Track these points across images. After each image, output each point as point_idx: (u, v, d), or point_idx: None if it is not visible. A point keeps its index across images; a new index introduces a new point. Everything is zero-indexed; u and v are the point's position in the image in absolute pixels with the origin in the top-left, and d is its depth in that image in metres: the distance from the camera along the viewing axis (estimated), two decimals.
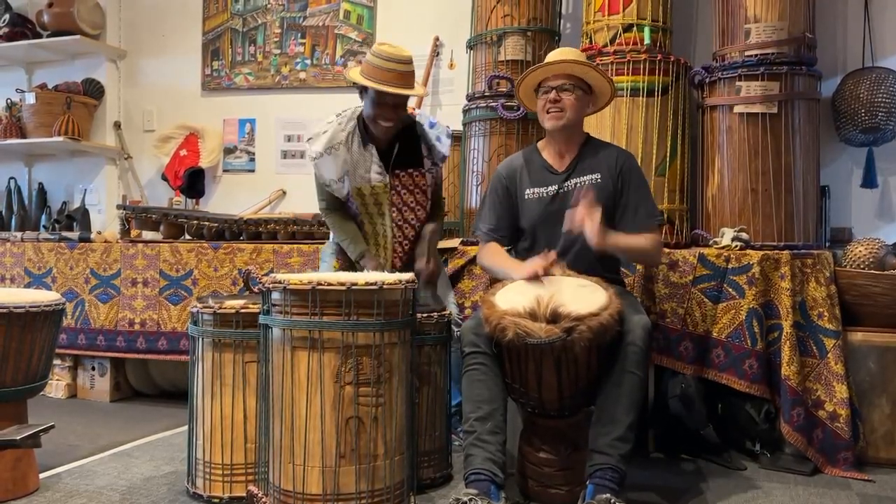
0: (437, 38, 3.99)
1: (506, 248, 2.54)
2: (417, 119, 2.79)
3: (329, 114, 2.78)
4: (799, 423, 2.60)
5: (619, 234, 2.33)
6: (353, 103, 2.79)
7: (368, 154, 2.66)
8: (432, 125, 2.80)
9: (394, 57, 2.55)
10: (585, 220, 2.20)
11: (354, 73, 2.63)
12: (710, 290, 2.76)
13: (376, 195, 2.69)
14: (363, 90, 2.62)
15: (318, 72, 4.27)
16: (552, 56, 2.49)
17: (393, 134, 2.67)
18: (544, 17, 3.39)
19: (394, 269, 2.75)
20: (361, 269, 2.64)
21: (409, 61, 2.58)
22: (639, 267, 2.82)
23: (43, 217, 4.51)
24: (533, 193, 2.47)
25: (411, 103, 3.78)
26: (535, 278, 2.21)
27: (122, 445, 2.86)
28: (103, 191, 4.55)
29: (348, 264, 2.78)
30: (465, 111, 3.47)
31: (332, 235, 2.91)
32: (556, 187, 2.45)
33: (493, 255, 2.49)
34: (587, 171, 2.44)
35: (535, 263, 2.22)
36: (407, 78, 2.58)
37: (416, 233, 2.77)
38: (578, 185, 2.43)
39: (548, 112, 2.42)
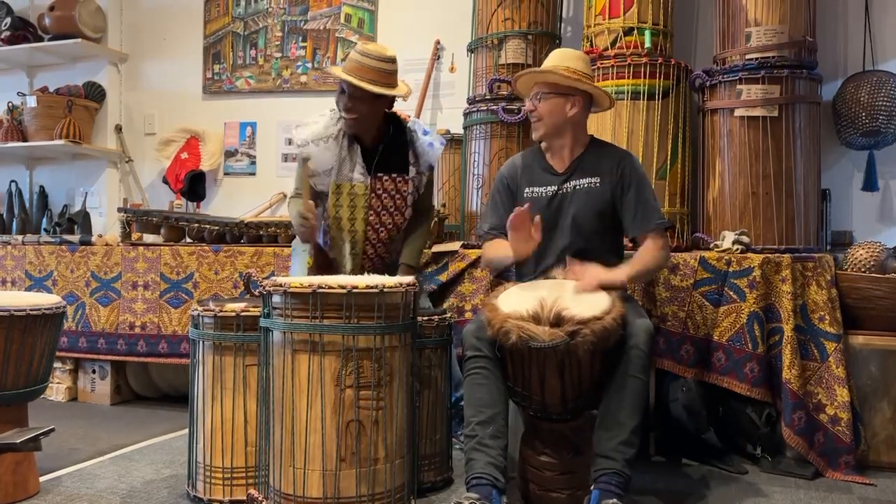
0: (437, 42, 4.00)
1: None
2: (410, 125, 2.79)
3: None
4: (800, 426, 2.59)
5: (624, 266, 2.32)
6: None
7: (354, 153, 2.67)
8: (426, 133, 2.80)
9: (369, 53, 2.56)
10: (586, 281, 2.19)
11: (338, 67, 2.65)
12: (711, 293, 2.76)
13: (354, 195, 2.69)
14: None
15: (319, 75, 4.28)
16: (547, 60, 2.48)
17: (375, 135, 2.68)
18: (545, 21, 3.40)
19: (362, 268, 2.73)
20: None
21: (386, 59, 2.57)
22: None
23: (44, 220, 4.52)
24: (532, 193, 2.48)
25: (409, 107, 3.78)
26: (521, 235, 2.24)
27: (123, 449, 2.86)
28: (104, 194, 4.56)
29: (321, 261, 2.78)
30: (466, 114, 3.47)
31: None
32: (555, 188, 2.45)
33: (494, 249, 2.48)
34: (587, 175, 2.44)
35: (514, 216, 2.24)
36: (376, 75, 2.55)
37: (389, 237, 2.76)
38: (578, 187, 2.43)
39: (532, 122, 2.48)
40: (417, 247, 2.83)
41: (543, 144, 2.55)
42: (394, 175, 2.71)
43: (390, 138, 2.71)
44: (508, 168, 2.57)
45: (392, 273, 2.75)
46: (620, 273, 2.26)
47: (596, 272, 2.21)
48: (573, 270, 2.24)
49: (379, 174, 2.69)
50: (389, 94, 2.59)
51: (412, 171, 2.74)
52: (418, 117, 3.86)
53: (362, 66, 2.55)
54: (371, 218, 2.71)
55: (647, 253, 2.37)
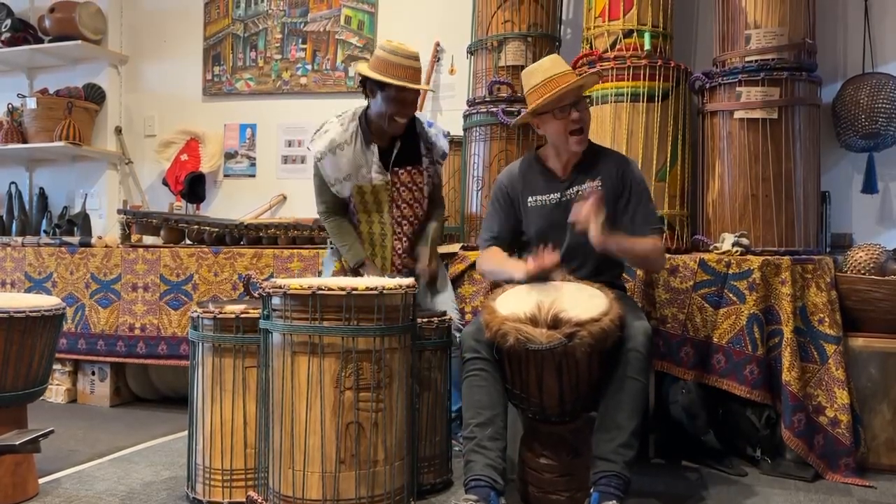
0: (437, 44, 4.00)
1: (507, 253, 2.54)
2: (417, 117, 2.81)
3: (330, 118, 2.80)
4: (800, 428, 2.59)
5: (621, 235, 2.32)
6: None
7: (370, 153, 2.69)
8: (430, 125, 2.85)
9: (407, 53, 2.59)
10: (591, 217, 2.17)
11: (364, 68, 2.64)
12: (710, 295, 2.76)
13: (377, 193, 2.72)
14: (376, 88, 2.62)
15: (318, 77, 4.28)
16: (544, 70, 2.39)
17: (402, 131, 2.70)
18: (545, 23, 3.40)
19: (393, 267, 2.75)
20: (360, 276, 2.66)
21: (418, 58, 2.63)
22: (639, 272, 2.82)
23: (44, 222, 4.52)
24: (536, 201, 2.47)
25: None
26: (535, 278, 2.21)
27: (122, 450, 2.86)
28: (104, 195, 4.56)
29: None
30: (466, 116, 3.47)
31: (330, 240, 2.93)
32: (558, 195, 2.44)
33: (493, 258, 2.48)
34: (588, 178, 2.43)
35: (536, 262, 2.22)
36: (419, 74, 2.64)
37: (414, 229, 2.80)
38: (581, 191, 2.43)
39: (572, 134, 2.37)
40: (434, 233, 2.84)
41: (542, 151, 2.54)
42: (409, 168, 2.75)
43: (403, 133, 2.73)
44: (507, 177, 2.55)
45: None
46: (611, 238, 2.21)
47: (598, 221, 2.18)
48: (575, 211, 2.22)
49: (395, 168, 2.72)
50: (429, 89, 2.66)
51: (425, 161, 2.77)
52: None
53: (410, 69, 2.58)
54: (395, 212, 2.73)
55: (646, 242, 2.35)
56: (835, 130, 3.28)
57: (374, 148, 2.69)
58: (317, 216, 2.94)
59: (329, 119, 2.77)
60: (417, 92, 2.64)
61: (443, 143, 2.83)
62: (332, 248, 2.92)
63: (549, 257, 2.21)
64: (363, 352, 2.02)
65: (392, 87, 2.56)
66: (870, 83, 3.19)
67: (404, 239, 2.79)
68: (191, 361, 2.36)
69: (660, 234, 2.43)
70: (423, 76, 3.85)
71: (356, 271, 2.72)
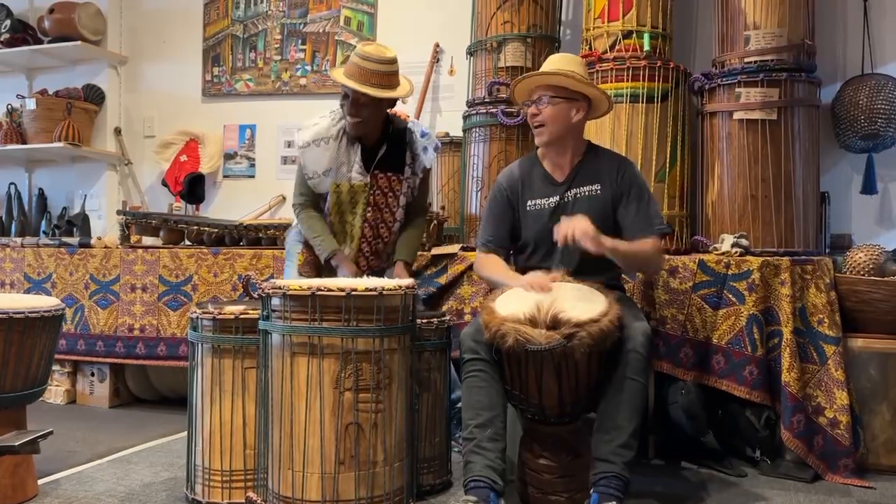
0: (437, 45, 4.00)
1: (504, 258, 2.52)
2: (410, 126, 2.81)
3: None
4: (799, 429, 2.59)
5: (617, 239, 2.29)
6: None
7: (353, 152, 2.69)
8: (423, 135, 2.82)
9: (370, 56, 2.57)
10: (574, 230, 2.14)
11: (338, 70, 2.67)
12: (710, 296, 2.76)
13: (354, 193, 2.72)
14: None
15: (318, 78, 4.28)
16: (546, 64, 2.44)
17: (377, 136, 2.70)
18: (544, 24, 3.40)
19: (358, 267, 2.76)
20: (331, 268, 2.69)
21: (387, 62, 2.58)
22: (639, 273, 2.82)
23: (43, 223, 4.52)
24: (534, 205, 2.45)
25: (408, 110, 3.79)
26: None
27: (122, 451, 2.86)
28: (103, 196, 4.56)
29: (314, 255, 2.79)
30: (466, 117, 3.47)
31: (291, 229, 2.97)
32: (557, 198, 2.42)
33: (492, 266, 2.46)
34: (587, 182, 2.42)
35: (537, 280, 2.20)
36: (379, 78, 2.57)
37: (389, 233, 2.81)
38: (579, 195, 2.42)
39: (533, 127, 2.41)
40: (413, 244, 2.85)
41: (540, 151, 2.52)
42: (389, 174, 2.74)
43: (390, 139, 2.72)
44: (507, 179, 2.52)
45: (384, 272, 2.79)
46: (607, 241, 2.18)
47: (586, 224, 2.15)
48: (563, 224, 2.18)
49: (376, 172, 2.72)
50: (393, 96, 2.62)
51: (407, 171, 2.78)
52: (417, 119, 3.87)
53: (365, 71, 2.56)
54: (368, 215, 2.74)
55: (642, 244, 2.33)
56: (834, 131, 3.28)
57: (358, 147, 2.69)
58: None
59: (323, 113, 2.78)
60: (357, 93, 2.56)
61: (426, 158, 2.80)
62: (293, 235, 2.92)
63: (551, 279, 2.20)
64: (363, 353, 2.02)
65: (342, 86, 2.60)
66: (869, 84, 3.19)
67: (376, 241, 2.80)
68: (190, 362, 2.36)
69: (663, 235, 2.41)
70: (421, 80, 3.89)
71: (328, 263, 2.71)
